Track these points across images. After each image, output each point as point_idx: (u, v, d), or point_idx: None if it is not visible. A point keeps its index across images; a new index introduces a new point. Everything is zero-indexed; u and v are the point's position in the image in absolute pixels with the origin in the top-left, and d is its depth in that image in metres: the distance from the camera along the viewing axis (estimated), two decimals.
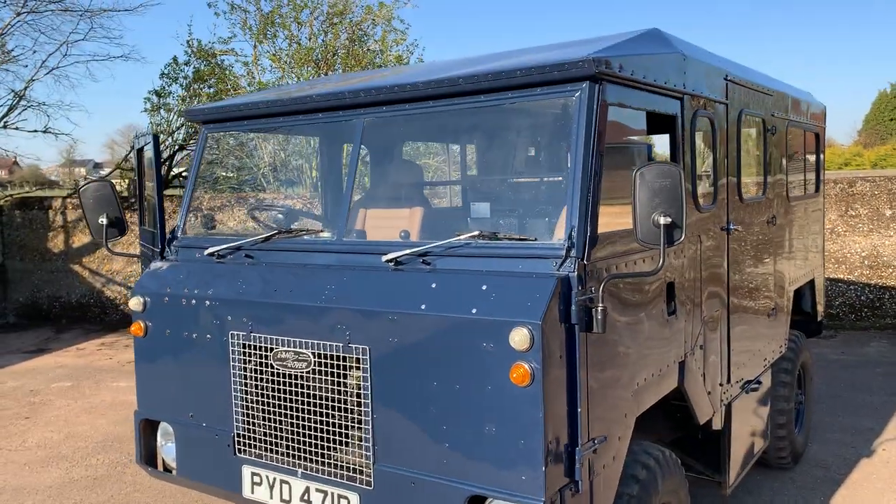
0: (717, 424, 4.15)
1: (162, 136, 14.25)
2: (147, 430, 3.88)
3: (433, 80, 3.20)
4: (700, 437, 4.25)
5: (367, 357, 3.02)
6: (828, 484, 5.66)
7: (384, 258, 3.12)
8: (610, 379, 3.01)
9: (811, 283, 6.34)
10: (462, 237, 3.00)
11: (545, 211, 3.28)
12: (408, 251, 3.10)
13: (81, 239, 13.21)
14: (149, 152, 4.43)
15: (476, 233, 3.01)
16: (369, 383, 3.03)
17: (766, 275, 4.99)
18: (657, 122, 3.81)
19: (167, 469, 3.90)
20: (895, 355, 9.45)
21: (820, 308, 6.64)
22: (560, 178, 3.26)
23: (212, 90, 13.44)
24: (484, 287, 2.82)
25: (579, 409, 2.79)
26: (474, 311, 2.77)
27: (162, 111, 14.08)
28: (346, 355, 3.09)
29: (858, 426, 6.89)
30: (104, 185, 3.97)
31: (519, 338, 2.63)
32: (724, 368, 4.26)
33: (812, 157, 6.47)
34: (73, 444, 6.90)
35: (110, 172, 16.47)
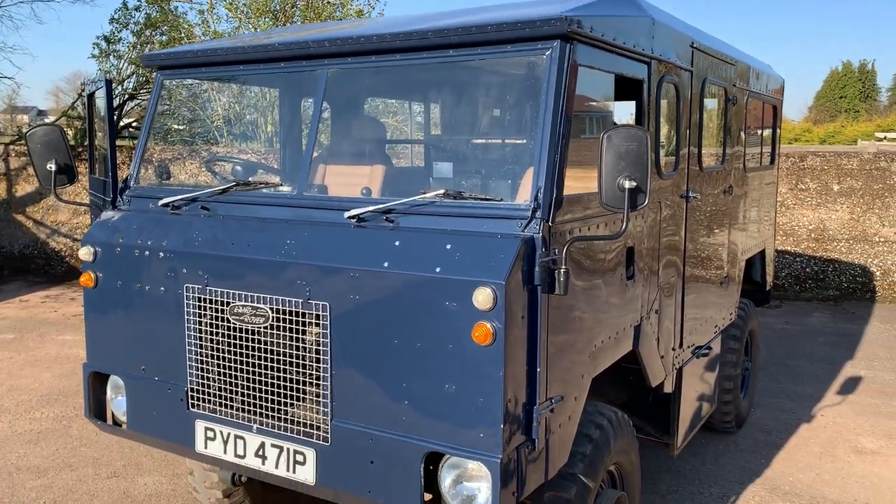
0: (669, 388, 4.23)
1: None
2: (96, 383, 3.79)
3: (401, 31, 3.13)
4: (650, 400, 4.34)
5: (327, 314, 2.98)
6: (769, 448, 5.85)
7: (346, 214, 3.07)
8: (569, 340, 3.03)
9: (762, 253, 6.48)
10: (427, 195, 2.96)
11: (511, 171, 3.25)
12: (371, 208, 3.05)
13: (25, 188, 12.77)
14: (100, 99, 4.27)
15: (441, 191, 2.97)
16: (328, 340, 2.99)
17: (720, 243, 5.07)
18: (622, 88, 3.80)
19: (116, 423, 3.83)
20: (836, 326, 9.77)
21: (769, 278, 6.79)
22: (526, 140, 3.23)
23: (164, 38, 13.02)
24: (448, 246, 2.79)
25: (538, 370, 2.81)
26: (438, 269, 2.75)
27: (112, 58, 13.61)
28: (306, 311, 3.04)
29: (799, 393, 7.12)
30: (53, 130, 3.81)
31: (482, 297, 2.62)
32: (676, 333, 4.34)
33: (769, 130, 6.56)
34: (15, 398, 6.74)
35: (56, 120, 15.89)
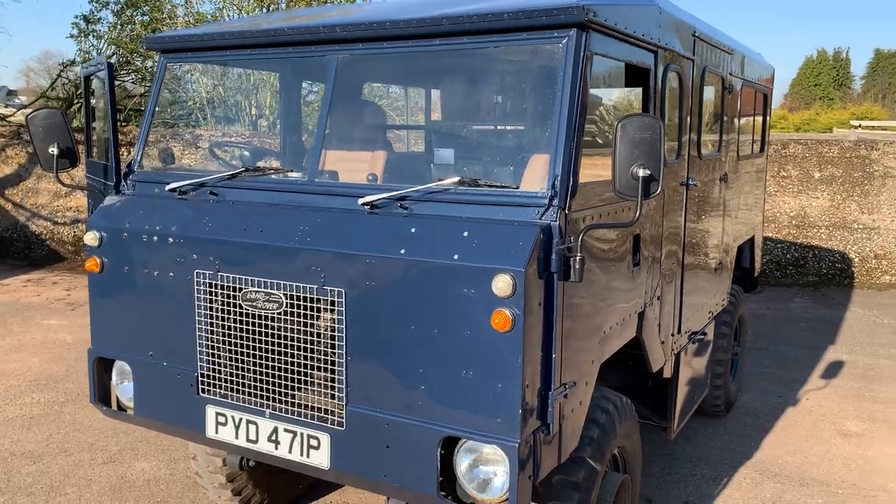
0: (668, 373, 4.30)
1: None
2: (101, 368, 3.77)
3: (415, 18, 3.13)
4: (650, 385, 4.41)
5: (343, 300, 3.00)
6: (757, 431, 5.97)
7: (361, 201, 3.08)
8: (581, 327, 3.07)
9: (751, 240, 6.57)
10: (444, 182, 2.98)
11: (525, 159, 3.27)
12: (385, 195, 3.06)
13: (3, 170, 12.56)
14: (97, 80, 4.22)
15: (457, 179, 2.99)
16: (344, 325, 3.01)
17: (716, 230, 5.14)
18: (629, 76, 3.84)
19: (121, 408, 3.82)
20: (816, 311, 9.95)
21: (757, 265, 6.90)
22: (539, 128, 3.25)
23: (146, 18, 12.82)
24: (465, 233, 2.82)
25: (553, 356, 2.85)
26: (456, 256, 2.77)
27: (91, 38, 13.37)
28: (321, 297, 3.05)
29: (784, 377, 7.27)
30: (54, 114, 3.77)
31: (502, 284, 2.64)
32: (675, 319, 4.41)
33: (759, 118, 6.65)
34: (4, 383, 6.67)
35: (34, 101, 15.60)
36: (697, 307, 4.90)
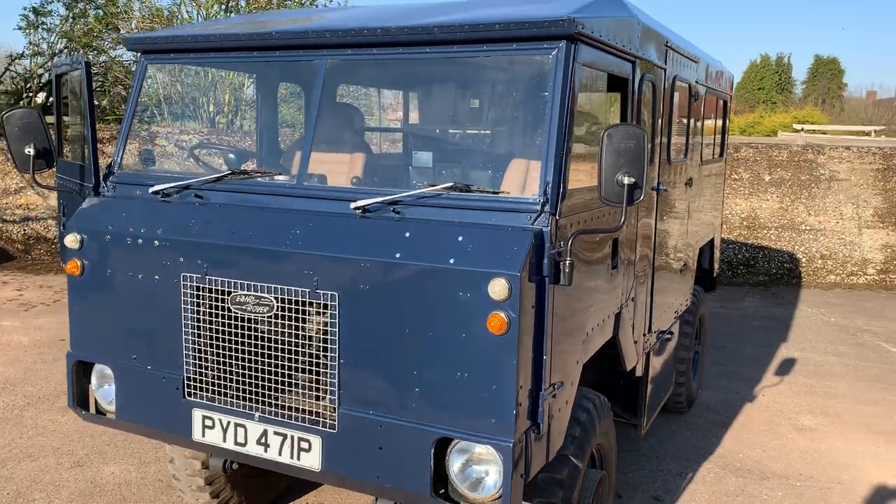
0: (640, 371, 4.43)
1: (41, 58, 13.21)
2: (79, 372, 3.73)
3: (406, 26, 3.17)
4: (622, 383, 4.54)
5: (336, 303, 3.03)
6: (717, 427, 6.18)
7: (353, 205, 3.11)
8: (567, 328, 3.16)
9: (711, 241, 6.79)
10: (438, 187, 3.04)
11: (511, 166, 3.34)
12: (378, 199, 3.10)
13: None
14: (69, 79, 4.15)
15: (450, 184, 3.05)
16: (336, 328, 3.04)
17: (682, 233, 5.31)
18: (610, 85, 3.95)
19: (100, 411, 3.78)
20: (767, 310, 10.29)
21: (716, 265, 7.13)
22: (528, 135, 3.33)
23: (99, 12, 12.53)
24: (460, 238, 2.88)
25: (545, 357, 2.93)
26: (452, 261, 2.83)
27: (41, 30, 13.02)
28: (313, 300, 3.08)
29: (740, 374, 7.52)
30: (31, 113, 3.71)
31: (498, 288, 2.71)
32: (647, 319, 4.54)
33: (720, 123, 6.86)
34: None
35: None
36: (665, 307, 5.05)
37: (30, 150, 3.65)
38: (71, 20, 12.63)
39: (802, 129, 26.31)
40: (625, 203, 2.90)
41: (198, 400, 3.38)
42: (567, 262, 2.89)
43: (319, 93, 3.42)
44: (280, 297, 3.14)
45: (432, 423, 2.92)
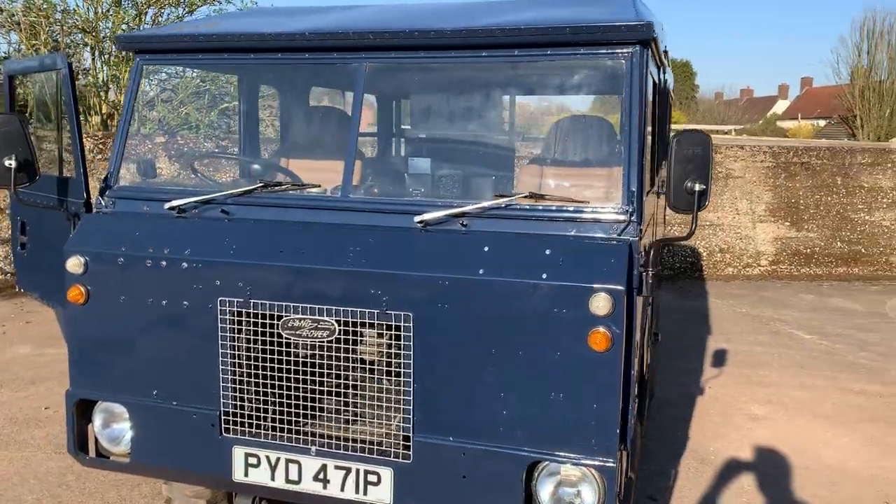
0: None
1: None
2: (80, 412, 3.30)
3: (464, 28, 3.00)
4: None
5: (410, 324, 2.82)
6: (679, 421, 6.34)
7: (417, 219, 2.91)
8: (638, 340, 3.11)
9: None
10: (516, 198, 2.89)
11: (588, 174, 3.24)
12: (444, 212, 2.92)
13: None
14: (43, 81, 3.67)
15: (525, 194, 2.91)
16: (411, 351, 2.83)
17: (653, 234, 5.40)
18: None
19: (101, 454, 3.36)
20: (682, 303, 10.74)
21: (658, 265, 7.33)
22: (604, 143, 3.24)
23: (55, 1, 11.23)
24: (547, 251, 2.75)
25: (633, 371, 2.86)
26: (544, 276, 2.69)
27: None
28: (383, 322, 2.85)
29: (684, 367, 7.77)
30: (11, 120, 3.25)
31: (602, 303, 2.61)
32: None
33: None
34: None
35: None
36: None
37: (10, 163, 3.20)
38: (27, 12, 11.16)
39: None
40: (695, 210, 2.87)
41: (238, 437, 3.06)
42: (649, 271, 2.83)
43: (360, 98, 3.18)
44: (342, 319, 2.89)
45: (522, 446, 2.78)
